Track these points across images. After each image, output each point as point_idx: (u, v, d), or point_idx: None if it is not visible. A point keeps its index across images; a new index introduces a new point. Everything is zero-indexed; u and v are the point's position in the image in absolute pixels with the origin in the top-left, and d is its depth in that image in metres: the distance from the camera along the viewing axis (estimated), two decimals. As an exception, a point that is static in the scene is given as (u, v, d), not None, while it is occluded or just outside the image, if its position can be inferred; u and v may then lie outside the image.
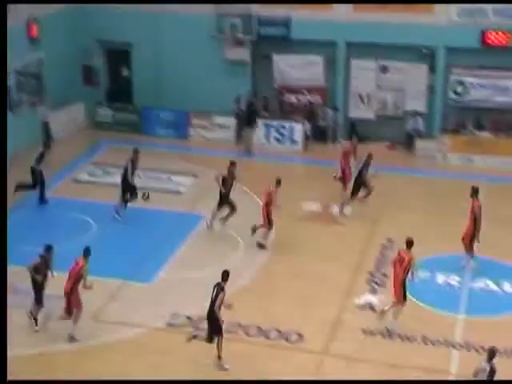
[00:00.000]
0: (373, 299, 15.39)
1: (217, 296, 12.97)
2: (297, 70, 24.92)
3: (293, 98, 25.06)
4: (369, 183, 19.36)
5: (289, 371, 13.06)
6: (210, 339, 13.12)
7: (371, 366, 13.22)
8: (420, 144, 23.24)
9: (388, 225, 18.60)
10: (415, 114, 23.95)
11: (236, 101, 24.55)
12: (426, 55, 23.81)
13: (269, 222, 17.43)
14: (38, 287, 14.04)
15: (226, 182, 17.96)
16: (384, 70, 24.39)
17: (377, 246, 17.58)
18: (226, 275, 13.17)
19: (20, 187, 19.47)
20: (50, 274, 14.08)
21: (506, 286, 15.79)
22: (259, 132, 24.09)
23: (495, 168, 21.83)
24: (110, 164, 21.58)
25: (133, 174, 18.83)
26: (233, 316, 14.34)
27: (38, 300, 14.07)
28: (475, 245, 16.35)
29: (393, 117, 24.44)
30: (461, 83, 23.64)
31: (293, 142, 24.01)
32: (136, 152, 19.03)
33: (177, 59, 24.98)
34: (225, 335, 13.99)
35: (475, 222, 16.28)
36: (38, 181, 19.50)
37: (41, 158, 19.56)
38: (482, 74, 23.37)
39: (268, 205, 17.42)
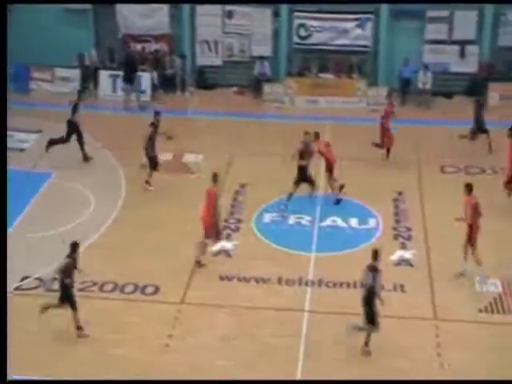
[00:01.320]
0: (227, 245, 15.61)
1: (375, 279, 11.91)
2: (141, 17, 24.32)
3: (138, 47, 24.48)
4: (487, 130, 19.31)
5: (147, 323, 13.02)
6: (372, 324, 12.14)
7: (228, 311, 13.44)
8: (267, 88, 23.52)
9: (240, 170, 18.79)
10: (262, 58, 24.16)
11: (79, 58, 23.73)
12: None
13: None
14: (70, 292, 12.63)
15: (305, 156, 16.64)
16: (229, 15, 24.34)
17: (230, 192, 17.74)
18: (375, 254, 12.07)
19: (52, 143, 18.77)
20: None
21: (353, 222, 16.48)
22: (105, 83, 23.45)
23: (338, 108, 22.56)
24: None
25: (154, 139, 17.50)
26: (87, 273, 14.09)
27: (73, 305, 12.65)
28: None
29: (240, 62, 24.54)
30: (304, 27, 24.07)
31: (140, 91, 23.52)
32: (157, 115, 17.76)
33: (12, 8, 23.46)
34: (79, 294, 13.74)
35: None
36: (72, 133, 18.68)
37: (75, 109, 18.61)
38: (323, 17, 23.89)
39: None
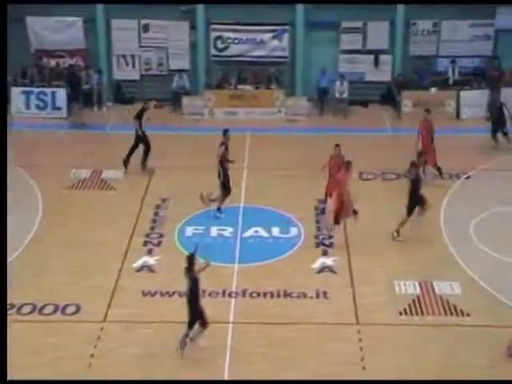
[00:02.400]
0: (150, 260, 15.41)
1: None
2: (54, 32, 23.93)
3: (52, 63, 24.02)
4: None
5: (68, 344, 12.69)
6: None
7: (152, 327, 13.25)
8: (186, 101, 23.47)
9: (160, 185, 18.64)
10: (180, 71, 24.11)
11: None
12: (186, 12, 23.94)
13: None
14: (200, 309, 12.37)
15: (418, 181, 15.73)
16: (145, 28, 24.22)
17: (151, 207, 17.55)
18: None
19: (127, 160, 18.80)
20: None
21: (275, 232, 16.53)
22: (18, 100, 22.95)
23: (258, 119, 22.70)
24: None
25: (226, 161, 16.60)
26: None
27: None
28: None
29: (158, 76, 24.44)
30: (221, 39, 24.17)
31: (55, 108, 23.07)
32: (226, 133, 16.79)
33: None
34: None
35: None
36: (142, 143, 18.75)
37: (140, 116, 18.62)
38: (240, 29, 24.07)
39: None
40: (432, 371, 12.08)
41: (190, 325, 12.39)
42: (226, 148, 16.81)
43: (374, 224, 16.62)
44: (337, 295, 14.17)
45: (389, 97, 24.01)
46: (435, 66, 24.24)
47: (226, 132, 16.95)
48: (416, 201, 15.81)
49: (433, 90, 23.38)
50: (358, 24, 24.00)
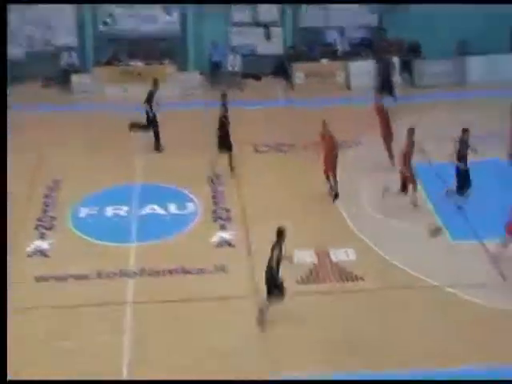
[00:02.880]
0: (43, 244, 14.97)
1: None
2: None
3: None
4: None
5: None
6: None
7: (46, 313, 12.87)
8: (75, 79, 22.78)
9: (52, 166, 18.07)
10: (68, 48, 23.34)
11: None
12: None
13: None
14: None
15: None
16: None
17: (42, 189, 17.00)
18: None
19: (135, 126, 18.82)
20: None
21: (172, 208, 16.39)
22: None
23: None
24: None
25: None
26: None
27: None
28: None
29: (44, 53, 23.53)
30: (109, 14, 23.56)
31: None
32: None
33: None
34: None
35: None
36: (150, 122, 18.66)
37: (150, 98, 18.46)
38: (129, 4, 23.51)
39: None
40: (331, 338, 12.29)
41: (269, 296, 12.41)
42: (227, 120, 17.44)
43: (270, 196, 16.74)
44: (235, 269, 14.21)
45: (281, 69, 24.15)
46: (324, 37, 24.52)
47: (224, 99, 17.73)
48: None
49: (323, 61, 23.70)
50: (248, -3, 23.92)
